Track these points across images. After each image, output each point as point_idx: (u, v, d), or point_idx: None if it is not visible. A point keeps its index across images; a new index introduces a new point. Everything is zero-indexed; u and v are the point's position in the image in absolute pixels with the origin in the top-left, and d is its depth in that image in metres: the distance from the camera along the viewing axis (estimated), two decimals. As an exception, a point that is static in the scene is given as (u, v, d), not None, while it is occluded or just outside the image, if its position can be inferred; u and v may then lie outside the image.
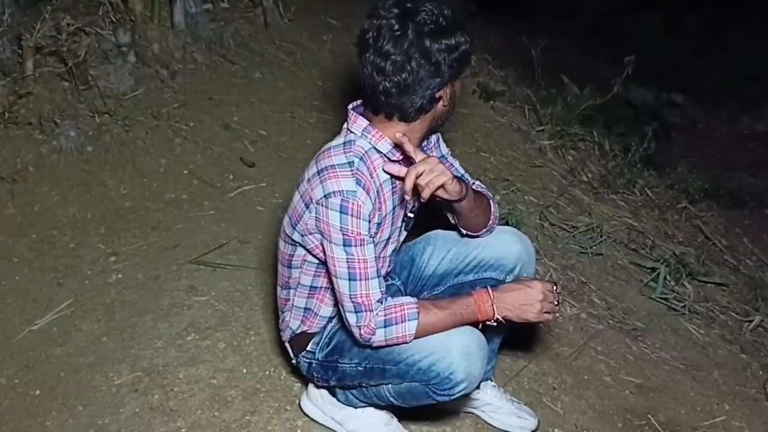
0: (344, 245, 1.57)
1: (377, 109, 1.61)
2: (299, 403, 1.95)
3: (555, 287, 1.66)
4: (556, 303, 1.65)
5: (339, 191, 1.56)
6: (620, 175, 3.65)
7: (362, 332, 1.60)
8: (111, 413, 1.97)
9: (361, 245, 1.57)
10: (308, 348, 1.81)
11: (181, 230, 2.71)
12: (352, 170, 1.58)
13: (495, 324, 1.63)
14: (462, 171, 1.87)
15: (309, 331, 1.82)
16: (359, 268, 1.57)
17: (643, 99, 5.21)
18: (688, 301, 2.88)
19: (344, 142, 1.64)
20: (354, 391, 1.81)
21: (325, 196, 1.57)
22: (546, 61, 5.15)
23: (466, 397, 1.94)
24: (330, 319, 1.81)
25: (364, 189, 1.58)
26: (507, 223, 2.82)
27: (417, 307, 1.59)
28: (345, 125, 1.68)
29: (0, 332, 2.26)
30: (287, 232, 1.73)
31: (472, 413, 2.05)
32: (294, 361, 1.88)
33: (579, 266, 2.82)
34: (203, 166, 3.01)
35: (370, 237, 1.60)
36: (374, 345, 1.61)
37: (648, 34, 6.63)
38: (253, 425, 1.92)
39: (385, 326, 1.58)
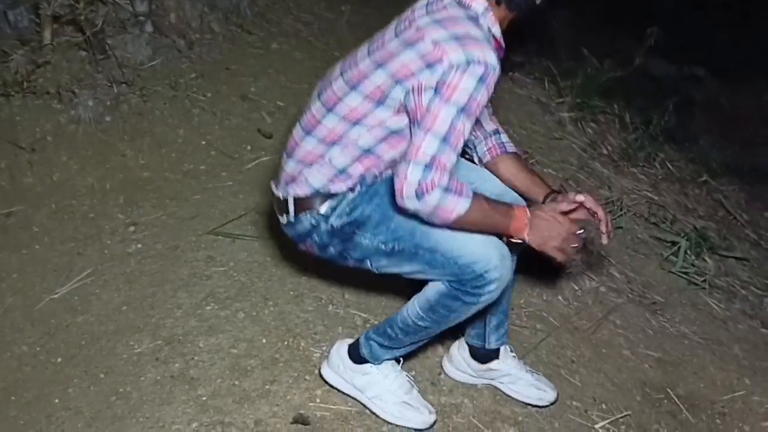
0: (462, 110, 1.51)
1: None
2: (319, 371, 1.96)
3: (582, 232, 1.66)
4: (575, 246, 1.64)
5: (484, 62, 1.51)
6: (641, 148, 3.60)
7: (422, 187, 1.50)
8: (132, 381, 1.99)
9: (472, 116, 1.53)
10: (321, 210, 1.72)
11: (200, 201, 2.71)
12: (491, 46, 1.55)
13: (517, 243, 1.64)
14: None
15: (330, 192, 1.72)
16: (457, 134, 1.52)
17: (665, 72, 5.11)
18: (709, 276, 2.85)
19: (468, 16, 1.59)
20: (377, 337, 1.81)
21: (467, 61, 1.51)
22: (567, 36, 5.08)
23: (485, 366, 1.97)
24: (360, 185, 1.72)
25: (498, 68, 1.55)
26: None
27: (472, 192, 1.57)
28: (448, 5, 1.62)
29: (21, 301, 2.28)
30: (380, 86, 1.61)
31: (491, 385, 2.05)
32: (286, 219, 1.77)
33: (598, 240, 2.79)
34: (221, 137, 3.00)
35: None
36: (420, 207, 1.53)
37: (672, 11, 6.49)
38: (272, 394, 1.93)
39: (445, 190, 1.51)
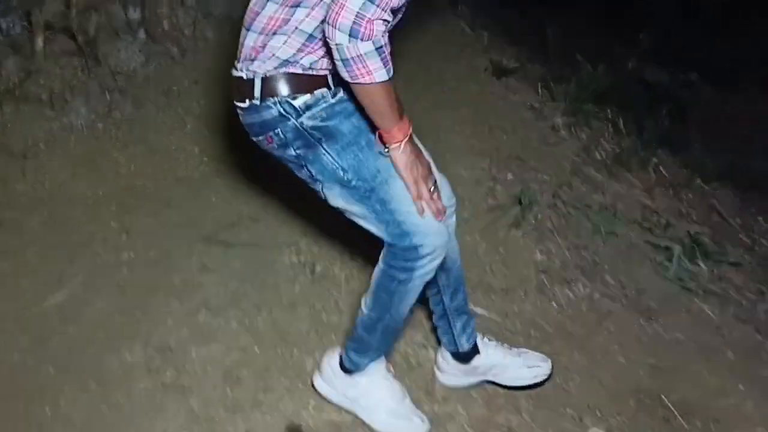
0: None
1: None
2: (311, 382, 1.95)
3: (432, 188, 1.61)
4: (429, 189, 1.59)
5: None
6: (634, 153, 3.59)
7: (361, 24, 1.36)
8: (124, 390, 1.98)
9: None
10: (292, 101, 1.56)
11: (192, 208, 2.70)
12: None
13: (386, 152, 1.57)
14: None
15: (301, 73, 1.56)
16: None
17: (658, 78, 5.11)
18: (703, 281, 2.84)
19: None
20: (350, 343, 1.81)
21: None
22: (560, 41, 5.09)
23: (470, 366, 2.00)
24: (334, 78, 1.57)
25: None
26: (520, 203, 2.81)
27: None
28: None
29: (12, 308, 2.26)
30: None
31: (482, 385, 2.05)
32: (249, 103, 1.58)
33: (592, 246, 2.78)
34: (214, 144, 2.99)
35: None
36: (344, 45, 1.39)
37: (664, 16, 6.51)
38: (265, 404, 1.92)
39: (378, 48, 1.40)
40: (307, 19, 1.51)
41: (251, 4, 1.58)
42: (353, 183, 1.60)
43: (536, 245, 2.68)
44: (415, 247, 1.61)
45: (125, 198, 2.69)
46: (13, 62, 2.86)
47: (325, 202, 1.69)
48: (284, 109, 1.56)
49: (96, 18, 3.07)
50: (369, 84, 1.45)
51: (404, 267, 1.65)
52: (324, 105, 1.58)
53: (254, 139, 1.68)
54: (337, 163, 1.59)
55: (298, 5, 1.50)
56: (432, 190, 1.60)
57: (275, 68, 1.55)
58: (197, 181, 2.82)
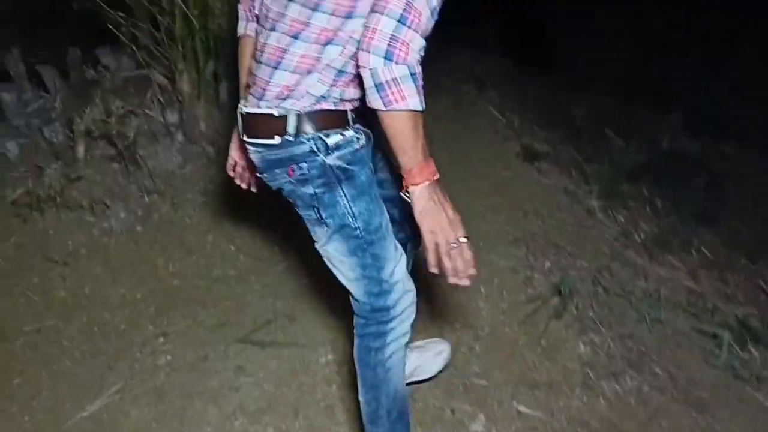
0: None
1: None
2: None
3: (464, 241, 1.51)
4: (450, 244, 1.49)
5: None
6: (674, 233, 3.53)
7: (395, 46, 1.36)
8: (161, 505, 1.93)
9: None
10: (325, 138, 1.56)
11: (229, 307, 2.70)
12: None
13: (406, 195, 1.51)
14: None
15: (333, 109, 1.56)
16: (415, 15, 1.37)
17: (691, 150, 5.07)
18: (755, 368, 2.72)
19: None
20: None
21: None
22: (588, 114, 5.11)
23: None
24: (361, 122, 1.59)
25: None
26: (560, 293, 2.75)
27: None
28: None
29: (52, 419, 2.25)
30: None
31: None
32: (279, 139, 1.56)
33: (638, 335, 2.70)
34: (250, 241, 3.02)
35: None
36: (380, 69, 1.38)
37: (688, 79, 6.52)
38: None
39: (412, 73, 1.40)
40: (339, 57, 1.52)
41: (265, 39, 1.57)
42: (357, 231, 1.60)
43: (579, 337, 2.61)
44: (387, 309, 1.67)
45: (163, 300, 2.70)
46: (56, 169, 2.94)
47: (313, 242, 1.71)
48: (316, 146, 1.56)
49: (135, 122, 3.17)
50: (401, 111, 1.41)
51: (377, 332, 1.69)
52: (351, 149, 1.59)
53: (265, 174, 1.65)
54: (350, 208, 1.59)
55: (329, 42, 1.50)
56: (454, 246, 1.49)
57: (311, 105, 1.56)
58: (233, 279, 2.83)
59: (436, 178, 1.50)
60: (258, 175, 1.70)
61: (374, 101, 1.42)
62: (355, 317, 1.77)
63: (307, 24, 1.49)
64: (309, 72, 1.53)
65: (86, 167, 3.01)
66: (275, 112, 1.56)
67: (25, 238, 2.78)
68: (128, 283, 2.74)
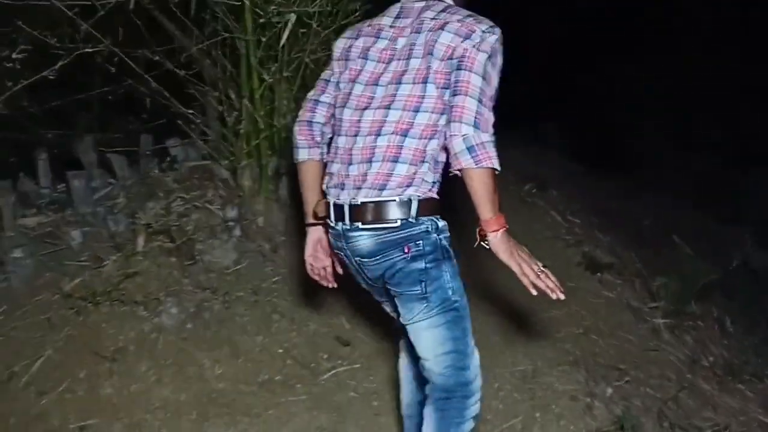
0: (483, 72, 1.75)
1: None
2: None
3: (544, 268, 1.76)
4: (538, 270, 1.74)
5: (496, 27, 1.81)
6: (745, 360, 3.31)
7: (480, 118, 1.72)
8: None
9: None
10: (437, 220, 1.84)
11: (272, 417, 2.61)
12: None
13: (485, 241, 1.76)
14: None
15: (436, 196, 1.85)
16: (488, 97, 1.76)
17: (763, 265, 4.83)
18: None
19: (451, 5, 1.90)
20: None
21: (491, 26, 1.80)
22: (655, 219, 4.94)
23: None
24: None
25: None
26: (622, 428, 2.57)
27: None
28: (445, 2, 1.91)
29: None
30: (437, 69, 1.79)
31: None
32: (399, 222, 1.81)
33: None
34: (298, 345, 2.95)
35: None
36: (472, 134, 1.72)
37: (761, 191, 6.28)
38: None
39: (491, 137, 1.74)
40: (437, 148, 1.83)
41: (366, 143, 1.83)
42: (456, 305, 1.81)
43: (642, 479, 2.41)
44: (470, 382, 1.82)
45: (206, 405, 2.64)
46: (115, 262, 2.97)
47: (398, 317, 1.91)
48: (431, 226, 1.83)
49: (195, 216, 3.20)
50: (488, 168, 1.72)
51: (459, 407, 1.81)
52: (448, 233, 1.87)
53: (377, 256, 1.84)
54: (450, 283, 1.82)
55: (432, 137, 1.81)
56: (539, 270, 1.74)
57: (425, 191, 1.83)
58: (278, 385, 2.76)
59: (506, 227, 1.76)
60: (361, 260, 1.88)
61: (465, 161, 1.72)
62: (433, 396, 1.87)
63: (412, 124, 1.81)
64: (421, 162, 1.82)
65: (144, 259, 3.02)
66: (398, 199, 1.81)
67: (77, 331, 2.77)
68: (173, 384, 2.69)
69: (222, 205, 3.32)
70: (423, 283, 1.80)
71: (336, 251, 1.98)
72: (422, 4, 1.91)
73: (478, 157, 1.71)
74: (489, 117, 1.75)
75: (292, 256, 3.33)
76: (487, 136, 1.73)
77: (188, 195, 3.32)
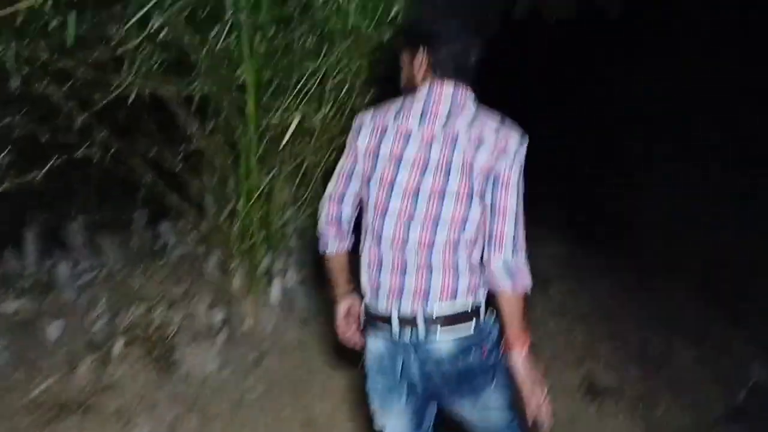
0: (517, 189, 1.81)
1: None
2: None
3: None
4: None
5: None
6: None
7: (516, 244, 1.78)
8: None
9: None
10: (489, 320, 1.88)
11: None
12: None
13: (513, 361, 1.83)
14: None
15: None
16: (520, 220, 1.81)
17: (770, 382, 4.63)
18: None
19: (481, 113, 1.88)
20: None
21: (522, 136, 1.83)
22: (656, 316, 4.77)
23: None
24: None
25: None
26: None
27: None
28: (468, 102, 1.88)
29: None
30: (479, 184, 1.81)
31: None
32: (473, 329, 1.86)
33: None
34: (276, 472, 2.77)
35: None
36: (511, 258, 1.77)
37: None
38: None
39: (525, 260, 1.80)
40: (478, 256, 1.87)
41: (422, 258, 1.85)
42: (507, 381, 1.89)
43: None
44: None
45: None
46: (88, 367, 2.82)
47: (461, 410, 1.98)
48: (491, 325, 1.89)
49: (178, 318, 3.06)
50: (525, 288, 1.79)
51: None
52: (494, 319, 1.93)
53: (457, 363, 1.88)
54: (505, 371, 1.89)
55: (475, 246, 1.86)
56: (545, 396, 1.83)
57: (484, 294, 1.88)
58: None
59: (530, 342, 1.83)
60: (437, 366, 1.90)
61: (505, 285, 1.79)
62: None
63: (459, 238, 1.85)
64: (475, 269, 1.87)
65: (120, 365, 2.87)
66: (469, 309, 1.87)
67: (40, 446, 2.61)
68: None
69: (209, 306, 3.18)
70: (493, 373, 1.91)
71: (389, 360, 1.97)
72: (448, 107, 1.86)
73: (516, 284, 1.78)
74: (523, 234, 1.82)
75: (280, 366, 3.17)
76: (522, 257, 1.80)
77: (174, 292, 3.19)
